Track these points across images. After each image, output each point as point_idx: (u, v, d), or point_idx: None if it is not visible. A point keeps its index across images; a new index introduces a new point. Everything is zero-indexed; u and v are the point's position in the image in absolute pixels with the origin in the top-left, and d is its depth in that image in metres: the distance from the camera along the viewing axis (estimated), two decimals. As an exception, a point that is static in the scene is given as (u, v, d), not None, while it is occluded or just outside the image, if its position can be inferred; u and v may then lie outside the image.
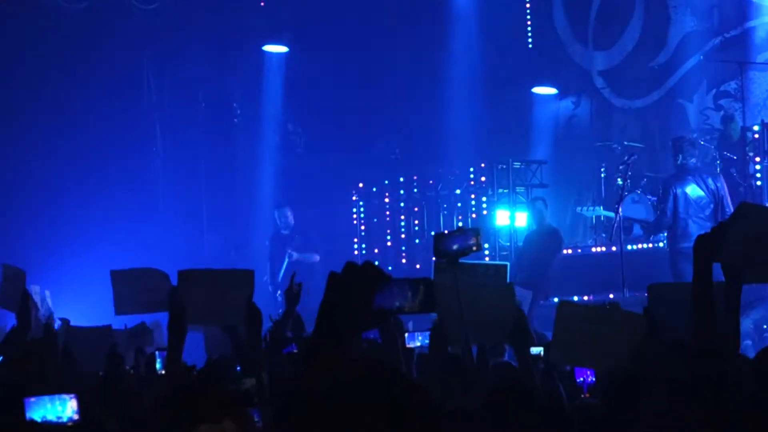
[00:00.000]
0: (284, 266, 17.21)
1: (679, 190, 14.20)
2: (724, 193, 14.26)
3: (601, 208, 16.18)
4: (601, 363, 5.66)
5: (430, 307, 3.00)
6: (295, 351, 7.36)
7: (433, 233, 6.22)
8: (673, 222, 14.18)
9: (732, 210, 12.60)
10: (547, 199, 16.73)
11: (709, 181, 14.34)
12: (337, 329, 2.95)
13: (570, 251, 16.35)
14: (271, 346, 7.18)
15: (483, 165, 18.02)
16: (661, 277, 13.56)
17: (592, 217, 17.44)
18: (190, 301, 6.00)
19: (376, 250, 18.84)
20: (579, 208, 16.43)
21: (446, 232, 6.14)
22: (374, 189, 19.08)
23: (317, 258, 17.28)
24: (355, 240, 18.84)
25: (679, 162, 14.38)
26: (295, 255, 17.16)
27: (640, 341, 5.25)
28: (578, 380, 6.65)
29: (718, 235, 4.87)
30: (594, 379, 6.53)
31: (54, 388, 5.72)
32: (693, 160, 14.35)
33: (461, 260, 5.98)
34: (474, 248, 5.86)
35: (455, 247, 5.85)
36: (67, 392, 5.63)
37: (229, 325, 6.66)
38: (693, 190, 14.25)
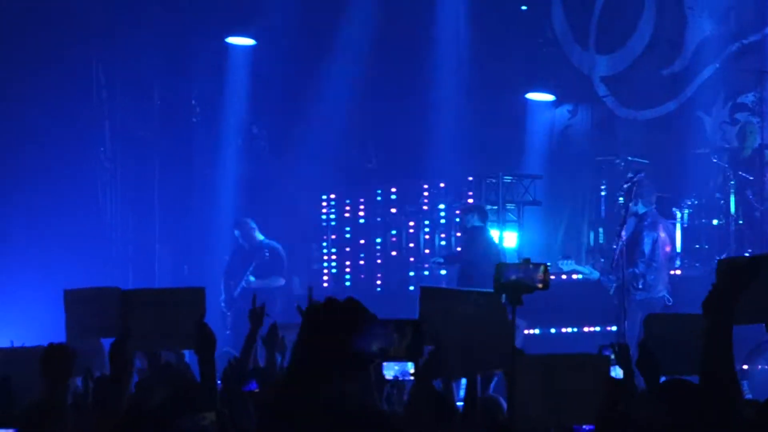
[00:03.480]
0: (240, 285, 16.41)
1: None
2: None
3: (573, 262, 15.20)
4: (567, 420, 5.63)
5: (417, 354, 3.09)
6: (257, 389, 6.86)
7: (497, 265, 5.98)
8: None
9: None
10: (538, 216, 16.82)
11: None
12: (313, 373, 2.91)
13: (554, 276, 15.69)
14: (228, 385, 6.71)
15: (470, 178, 17.64)
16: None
17: (589, 240, 17.13)
18: (134, 324, 6.04)
19: (347, 270, 18.35)
20: (559, 262, 15.33)
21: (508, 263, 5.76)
22: (347, 201, 18.58)
23: (282, 281, 16.55)
24: (325, 258, 18.34)
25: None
26: (252, 282, 16.26)
27: (609, 388, 5.18)
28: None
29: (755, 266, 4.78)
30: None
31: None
32: None
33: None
34: (540, 285, 5.64)
35: (516, 276, 5.66)
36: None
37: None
38: None
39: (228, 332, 15.67)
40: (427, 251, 17.66)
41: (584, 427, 6.16)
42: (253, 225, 16.64)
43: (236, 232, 16.76)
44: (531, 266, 5.66)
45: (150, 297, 6.43)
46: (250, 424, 5.98)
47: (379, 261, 18.27)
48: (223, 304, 16.52)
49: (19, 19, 16.91)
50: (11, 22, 16.88)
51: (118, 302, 6.44)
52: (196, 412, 5.51)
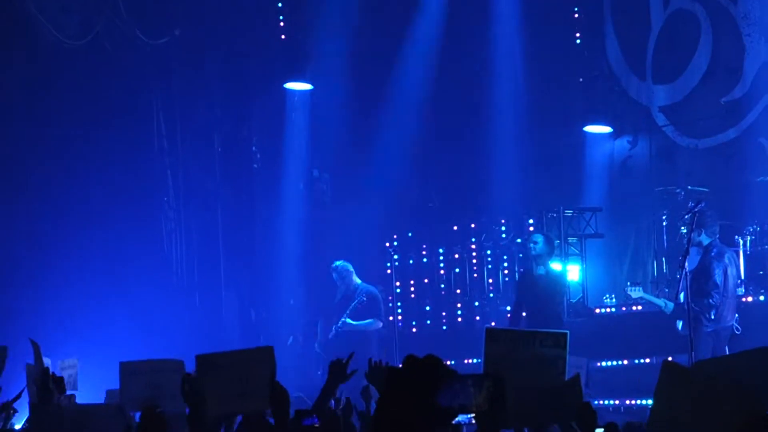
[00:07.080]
0: (336, 326, 16.44)
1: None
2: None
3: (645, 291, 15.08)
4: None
5: (500, 406, 3.05)
6: (317, 424, 6.66)
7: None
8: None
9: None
10: (601, 249, 16.66)
11: None
12: (398, 429, 3.00)
13: (625, 309, 15.89)
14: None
15: (531, 213, 17.47)
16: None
17: (653, 270, 16.96)
18: (210, 388, 6.01)
19: (411, 312, 18.25)
20: (627, 288, 15.18)
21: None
22: (410, 242, 18.45)
23: (379, 324, 16.46)
24: (390, 298, 17.95)
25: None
26: (349, 324, 16.26)
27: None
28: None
29: None
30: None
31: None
32: None
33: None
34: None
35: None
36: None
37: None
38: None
39: (320, 372, 15.79)
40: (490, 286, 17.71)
41: None
42: (351, 269, 16.68)
43: (334, 276, 16.76)
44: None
45: (222, 360, 6.40)
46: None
47: (443, 294, 18.20)
48: (316, 345, 16.64)
49: (78, 73, 17.03)
50: (67, 76, 17.02)
51: (181, 369, 6.68)
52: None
